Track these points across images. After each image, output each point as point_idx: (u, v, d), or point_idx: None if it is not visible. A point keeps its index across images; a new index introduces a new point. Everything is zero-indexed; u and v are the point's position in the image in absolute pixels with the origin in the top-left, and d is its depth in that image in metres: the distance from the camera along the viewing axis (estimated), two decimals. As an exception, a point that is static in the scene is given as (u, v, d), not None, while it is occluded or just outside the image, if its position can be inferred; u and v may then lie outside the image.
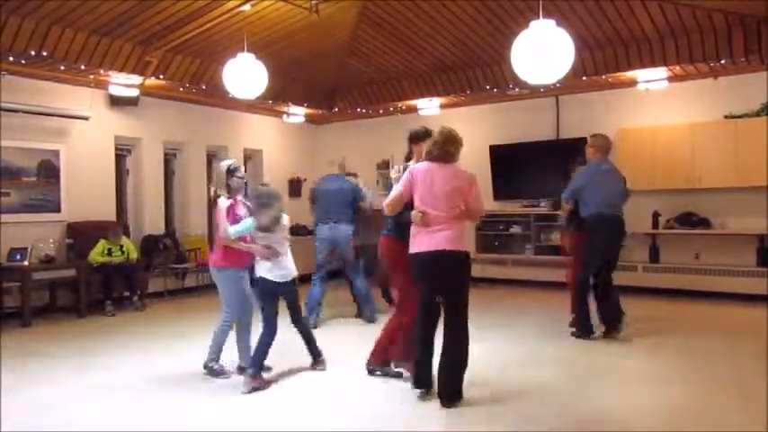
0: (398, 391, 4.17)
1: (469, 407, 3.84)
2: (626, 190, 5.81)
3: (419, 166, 4.02)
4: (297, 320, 4.68)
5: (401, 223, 4.10)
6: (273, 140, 10.57)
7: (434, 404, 3.87)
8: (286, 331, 5.01)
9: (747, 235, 7.60)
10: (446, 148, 3.98)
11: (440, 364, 3.89)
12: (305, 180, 10.73)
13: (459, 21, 7.33)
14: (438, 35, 7.77)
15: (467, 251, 3.94)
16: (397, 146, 10.57)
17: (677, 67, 7.42)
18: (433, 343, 3.96)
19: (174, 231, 9.09)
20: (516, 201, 9.29)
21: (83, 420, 3.74)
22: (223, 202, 4.53)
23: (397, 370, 4.44)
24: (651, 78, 7.86)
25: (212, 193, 4.64)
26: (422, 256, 3.88)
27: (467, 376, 3.94)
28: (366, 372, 4.52)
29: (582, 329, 5.61)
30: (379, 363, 4.50)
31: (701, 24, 6.82)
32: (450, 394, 3.85)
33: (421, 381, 3.97)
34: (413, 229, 3.93)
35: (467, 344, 3.92)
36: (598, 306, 5.61)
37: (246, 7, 6.44)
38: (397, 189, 4.02)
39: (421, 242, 3.89)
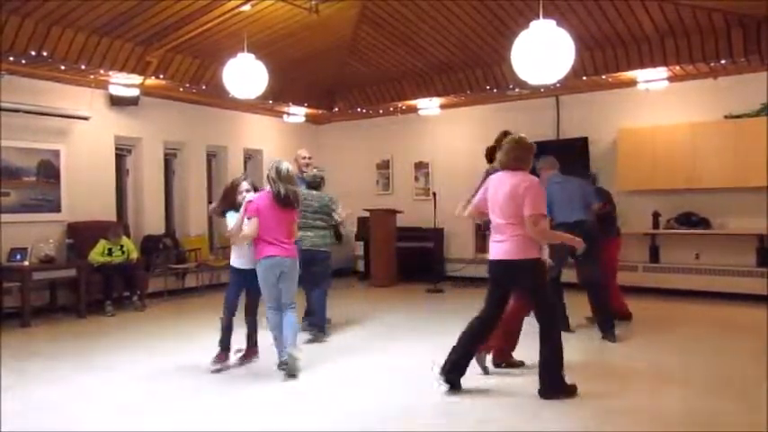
0: (400, 385, 4.20)
1: (467, 404, 3.85)
2: (588, 195, 5.87)
3: (494, 175, 4.16)
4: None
5: None
6: (273, 140, 10.57)
7: (435, 397, 3.87)
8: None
9: (747, 235, 7.60)
10: (511, 155, 4.03)
11: (539, 363, 4.01)
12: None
13: (459, 21, 7.33)
14: (438, 35, 7.78)
15: (528, 258, 3.93)
16: (397, 145, 10.68)
17: (677, 67, 7.43)
18: (474, 342, 4.10)
19: (173, 231, 9.09)
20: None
21: (83, 420, 3.74)
22: None
23: (519, 360, 4.59)
24: (651, 78, 7.86)
25: (282, 191, 4.61)
26: (490, 263, 4.09)
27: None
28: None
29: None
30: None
31: (700, 24, 6.82)
32: (546, 391, 3.91)
33: (447, 376, 4.05)
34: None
35: (556, 342, 3.95)
36: (591, 302, 5.71)
37: (246, 7, 6.44)
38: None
39: (490, 250, 4.10)
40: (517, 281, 4.04)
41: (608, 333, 5.48)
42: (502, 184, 4.00)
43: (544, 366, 3.95)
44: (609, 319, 5.56)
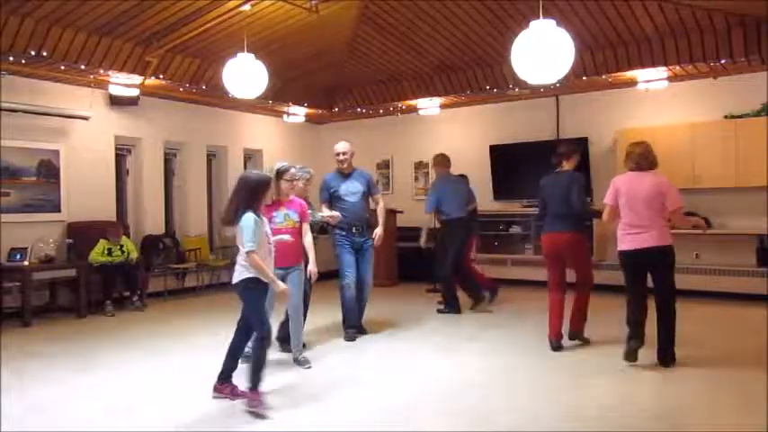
0: (401, 384, 4.19)
1: (468, 401, 3.86)
2: (469, 195, 7.29)
3: (621, 177, 4.79)
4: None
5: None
6: (273, 140, 10.57)
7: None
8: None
9: (747, 235, 7.59)
10: (650, 157, 4.71)
11: (658, 336, 4.64)
12: (305, 180, 10.72)
13: (459, 21, 7.33)
14: (438, 35, 7.77)
15: (667, 244, 4.61)
16: (397, 145, 10.68)
17: (677, 67, 7.42)
18: (643, 325, 4.60)
19: (173, 231, 9.09)
20: (516, 201, 9.29)
21: (83, 420, 3.74)
22: None
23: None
24: (651, 78, 7.85)
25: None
26: (627, 253, 4.67)
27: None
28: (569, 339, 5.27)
29: (449, 307, 7.04)
30: (578, 331, 5.32)
31: (700, 24, 6.82)
32: (669, 359, 4.60)
33: (629, 356, 4.59)
34: (619, 230, 4.74)
35: (674, 317, 4.61)
36: (462, 286, 7.14)
37: (246, 7, 6.43)
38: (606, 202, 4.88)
39: (624, 241, 4.68)
40: (659, 263, 4.61)
41: (478, 301, 7.07)
42: (638, 184, 4.64)
43: (667, 339, 4.58)
44: (477, 290, 7.10)
